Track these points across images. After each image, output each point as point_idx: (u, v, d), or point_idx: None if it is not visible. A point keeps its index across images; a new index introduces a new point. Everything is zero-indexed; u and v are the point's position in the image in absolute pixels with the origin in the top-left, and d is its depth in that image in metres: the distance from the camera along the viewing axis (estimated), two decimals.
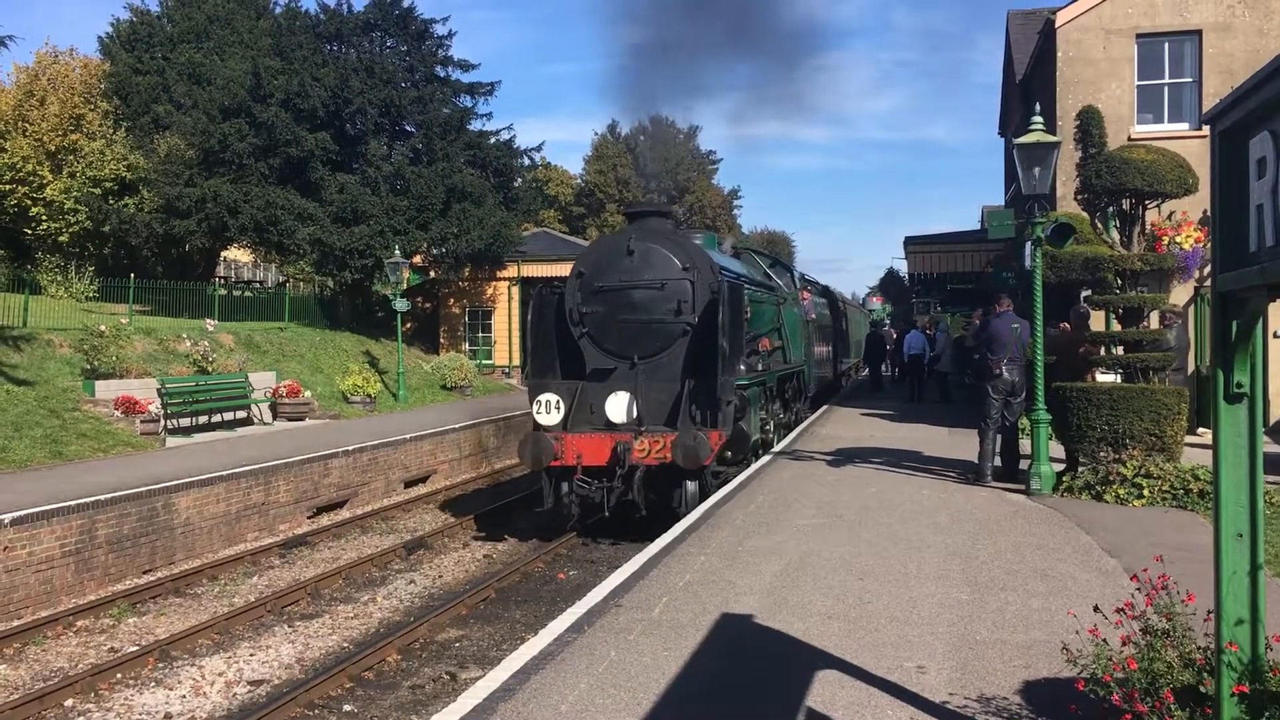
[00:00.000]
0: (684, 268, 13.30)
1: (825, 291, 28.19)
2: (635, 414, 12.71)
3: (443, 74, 35.12)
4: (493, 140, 34.84)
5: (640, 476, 12.40)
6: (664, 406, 13.09)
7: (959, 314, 36.11)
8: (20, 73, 34.99)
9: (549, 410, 12.93)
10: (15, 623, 10.71)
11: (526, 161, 37.24)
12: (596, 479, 12.69)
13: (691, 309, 13.25)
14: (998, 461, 12.58)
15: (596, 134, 66.57)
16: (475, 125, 35.09)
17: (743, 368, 13.47)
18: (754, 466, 14.33)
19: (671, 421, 12.87)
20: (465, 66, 35.51)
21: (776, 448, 16.55)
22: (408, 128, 33.92)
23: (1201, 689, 4.02)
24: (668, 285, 13.24)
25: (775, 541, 9.26)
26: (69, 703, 8.50)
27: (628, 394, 12.73)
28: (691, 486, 12.46)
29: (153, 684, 8.88)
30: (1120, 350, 12.58)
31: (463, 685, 7.86)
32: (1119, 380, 12.66)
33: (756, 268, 18.69)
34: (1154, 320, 13.61)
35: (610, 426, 12.83)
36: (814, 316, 21.88)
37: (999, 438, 12.56)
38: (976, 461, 12.61)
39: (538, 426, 13.02)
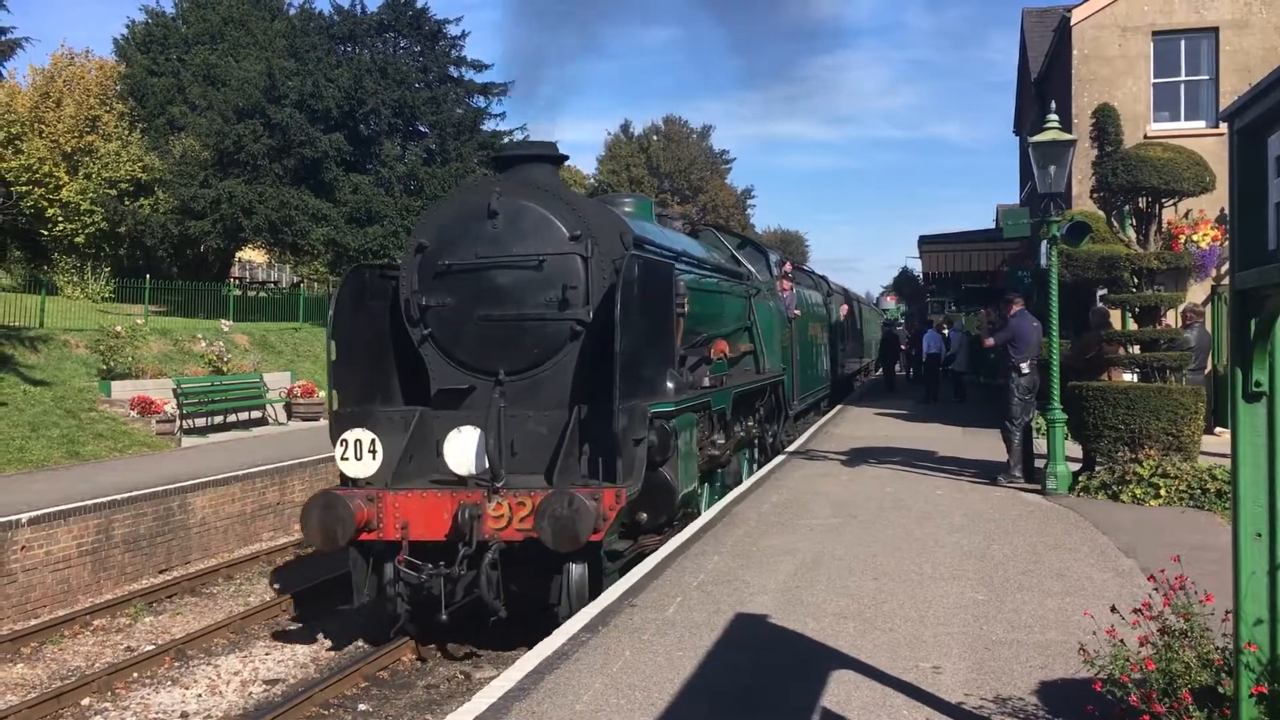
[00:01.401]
0: (573, 237, 9.08)
1: (822, 282, 24.92)
2: (490, 460, 8.34)
3: (456, 74, 35.24)
4: (506, 140, 34.90)
5: (493, 559, 8.17)
6: (544, 447, 8.98)
7: (974, 313, 35.99)
8: (36, 74, 35.20)
9: (359, 454, 8.74)
10: (33, 622, 10.78)
11: None
12: (434, 561, 8.39)
13: (584, 298, 9.06)
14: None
15: (609, 133, 66.73)
16: (489, 125, 35.22)
17: (670, 385, 9.45)
18: (768, 467, 14.29)
19: (555, 469, 8.74)
20: (478, 67, 35.61)
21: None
22: (421, 128, 34.03)
23: (1220, 689, 4.00)
24: (548, 263, 9.04)
25: (789, 541, 9.24)
26: (86, 701, 8.54)
27: (477, 430, 8.54)
28: (578, 572, 8.25)
29: (169, 683, 8.92)
30: (1136, 349, 12.51)
31: (477, 685, 7.87)
32: (1135, 380, 12.60)
33: (720, 250, 14.95)
34: (1171, 319, 13.53)
35: (459, 480, 8.66)
36: (799, 312, 17.32)
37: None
38: (1007, 461, 12.53)
39: (346, 480, 8.89)
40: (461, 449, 8.55)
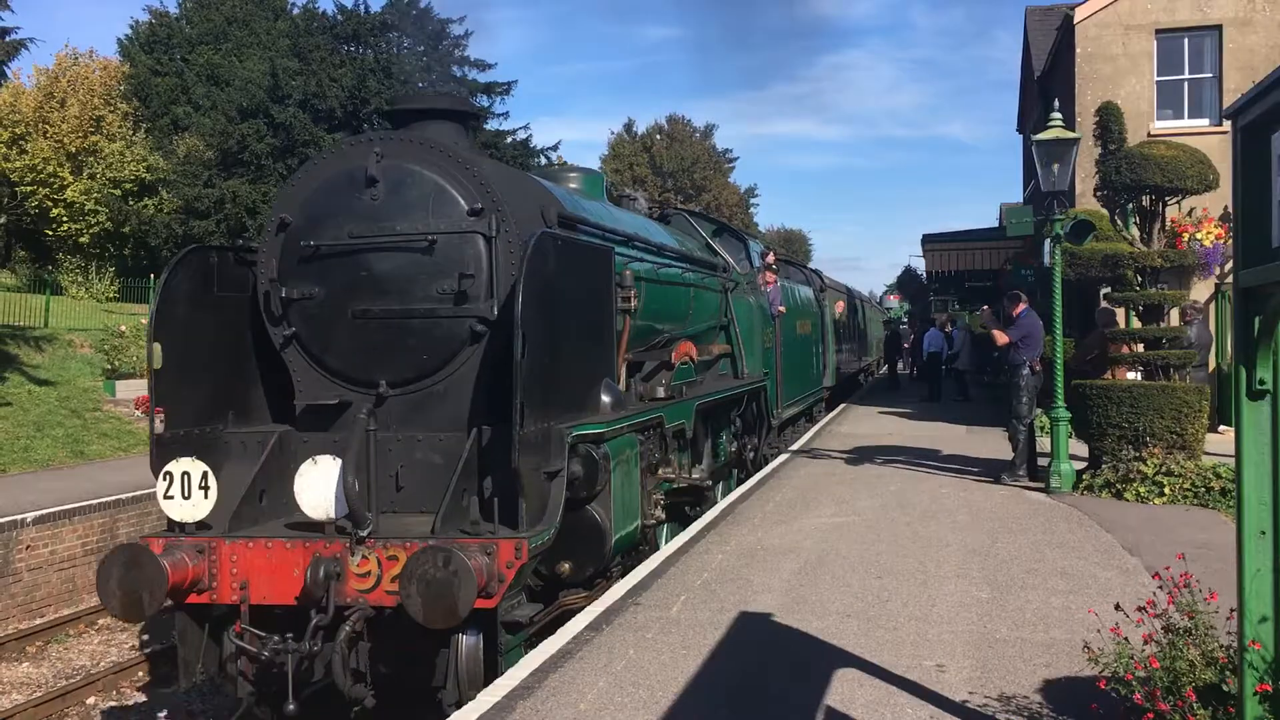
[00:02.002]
0: (473, 211, 7.03)
1: (814, 277, 23.02)
2: (349, 501, 6.26)
3: (460, 73, 35.29)
4: (509, 139, 34.95)
5: (353, 631, 6.21)
6: (438, 480, 6.87)
7: (977, 312, 36.02)
8: (41, 75, 35.27)
9: (186, 491, 6.60)
10: (37, 621, 10.80)
11: (543, 160, 37.32)
12: (284, 630, 6.32)
13: (487, 289, 7.02)
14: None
15: (613, 133, 66.66)
16: (492, 124, 35.24)
17: (606, 400, 7.62)
18: (771, 465, 14.30)
19: (439, 513, 6.61)
20: (482, 66, 35.68)
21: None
22: None
23: (1224, 687, 4.00)
24: (440, 245, 7.00)
25: (793, 539, 9.24)
26: (90, 700, 8.55)
27: (337, 461, 6.44)
28: (470, 646, 6.31)
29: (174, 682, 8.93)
30: (1140, 348, 12.50)
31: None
32: (1139, 378, 12.59)
33: (693, 237, 13.08)
34: (1174, 316, 13.52)
35: (318, 527, 6.60)
36: (784, 309, 15.35)
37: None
38: (1011, 459, 12.52)
39: (172, 524, 6.71)
40: (317, 485, 6.41)
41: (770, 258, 15.23)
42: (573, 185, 9.69)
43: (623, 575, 8.07)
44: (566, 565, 7.17)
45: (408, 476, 7.00)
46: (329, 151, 7.59)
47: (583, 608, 7.14)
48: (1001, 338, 12.16)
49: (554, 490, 6.58)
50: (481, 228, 7.02)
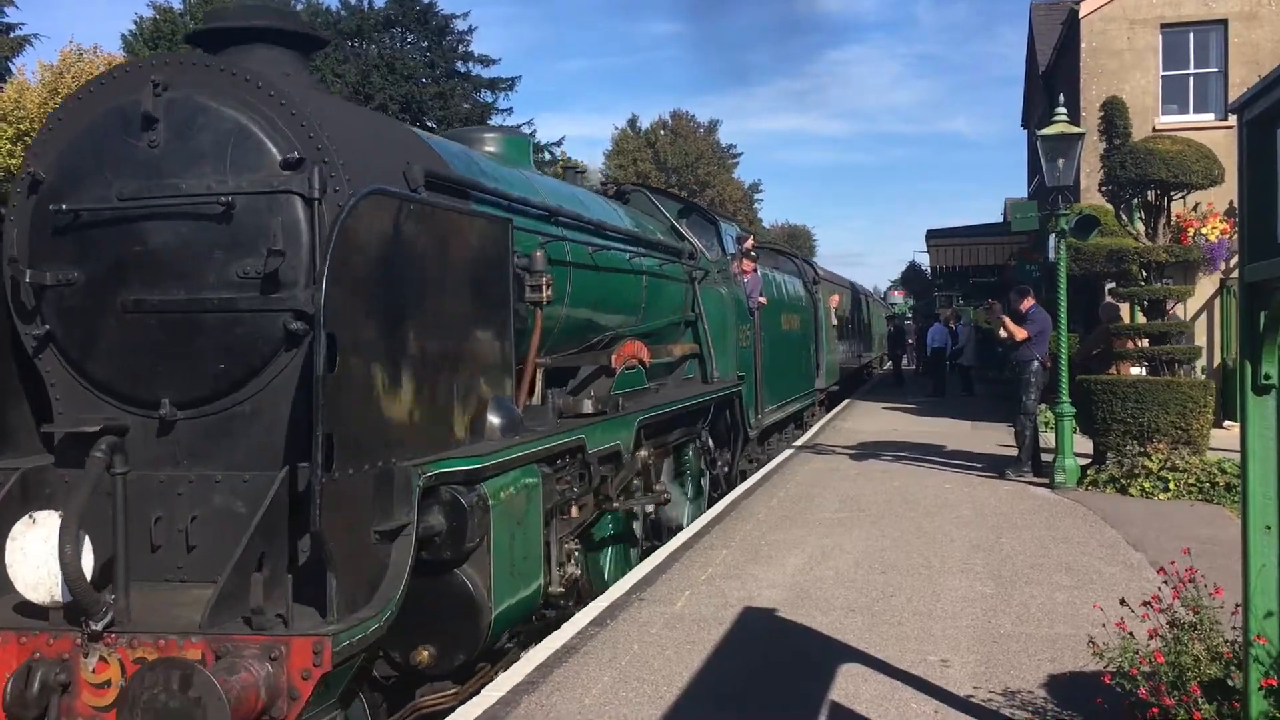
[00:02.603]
0: (288, 162, 5.04)
1: (806, 268, 20.88)
2: (69, 582, 4.28)
3: (463, 69, 35.30)
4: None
5: None
6: (241, 536, 4.71)
7: (981, 307, 36.01)
8: (45, 71, 35.29)
9: None
10: None
11: (547, 156, 37.35)
12: None
13: (309, 272, 5.01)
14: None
15: (617, 128, 66.61)
16: (496, 120, 35.20)
17: (496, 422, 5.80)
18: (775, 461, 14.29)
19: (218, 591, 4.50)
20: (486, 62, 35.68)
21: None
22: (429, 123, 34.07)
23: (1229, 682, 4.00)
24: (241, 209, 5.00)
25: (798, 535, 9.25)
26: None
27: (58, 518, 4.44)
28: None
29: None
30: (1145, 342, 12.49)
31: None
32: (1144, 373, 12.58)
33: (655, 218, 11.19)
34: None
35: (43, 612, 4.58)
36: (764, 300, 13.43)
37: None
38: (1016, 455, 12.51)
39: None
40: (37, 554, 4.43)
41: (749, 243, 13.66)
42: (489, 148, 7.96)
43: (524, 649, 6.45)
44: (426, 652, 5.15)
45: (202, 532, 4.90)
46: (98, 81, 5.41)
47: (454, 706, 5.48)
48: (1020, 333, 12.06)
49: (396, 555, 4.67)
50: (299, 185, 4.95)
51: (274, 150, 5.04)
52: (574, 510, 6.90)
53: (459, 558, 5.16)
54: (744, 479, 12.68)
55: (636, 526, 8.92)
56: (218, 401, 5.09)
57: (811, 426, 18.86)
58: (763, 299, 13.33)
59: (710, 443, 11.28)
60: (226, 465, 5.05)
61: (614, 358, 8.18)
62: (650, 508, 8.95)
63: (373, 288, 4.74)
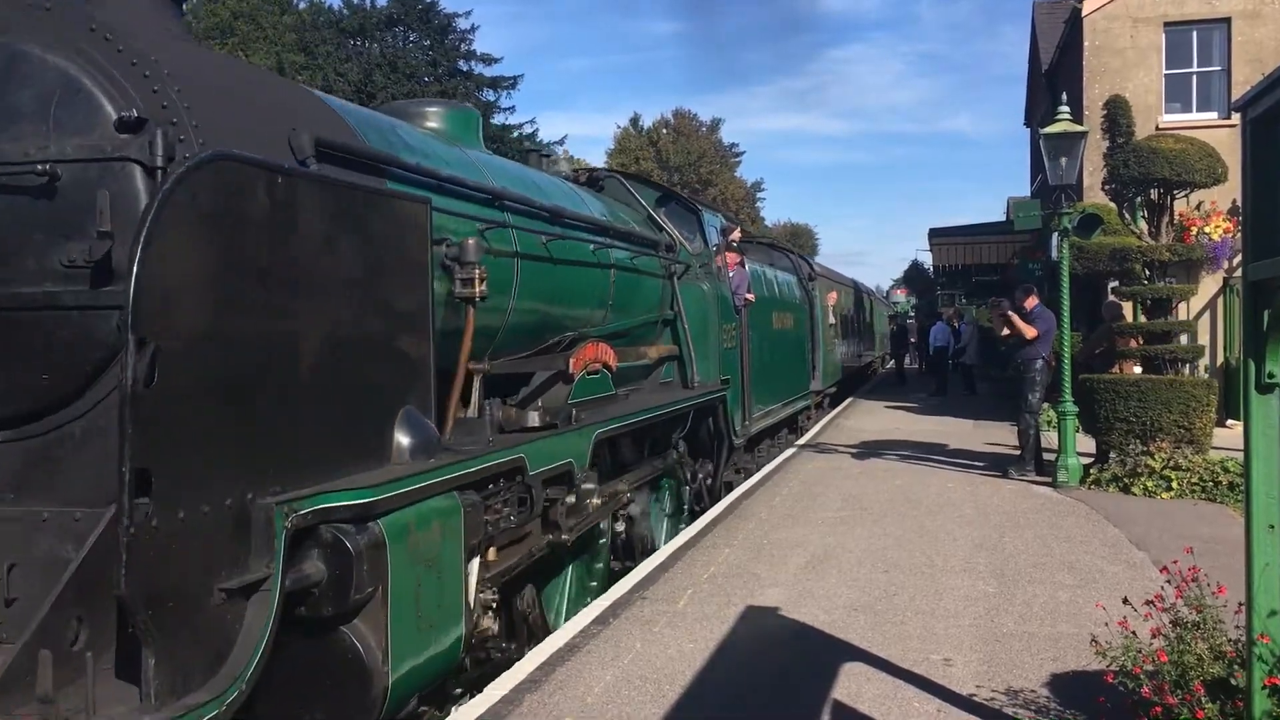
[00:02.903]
0: (125, 123, 3.96)
1: (801, 263, 19.67)
2: None
3: (466, 68, 35.30)
4: (516, 134, 34.95)
5: None
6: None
7: (984, 306, 36.02)
8: None
9: None
10: None
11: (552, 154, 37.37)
12: None
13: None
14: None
15: (619, 127, 66.62)
16: (498, 119, 35.24)
17: (404, 440, 4.86)
18: (777, 460, 14.29)
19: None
20: (488, 60, 35.69)
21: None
22: None
23: (1232, 681, 3.99)
24: (66, 179, 3.96)
25: (800, 534, 9.24)
26: None
27: None
28: None
29: None
30: (1140, 342, 12.49)
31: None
32: (1140, 372, 12.57)
33: (631, 207, 10.25)
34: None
35: None
36: (751, 297, 12.41)
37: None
38: (1019, 454, 12.49)
39: None
40: None
41: (735, 235, 12.63)
42: (430, 123, 7.09)
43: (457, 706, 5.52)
44: None
45: (25, 582, 3.83)
46: None
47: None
48: (1030, 331, 12.01)
49: (251, 616, 3.77)
50: (138, 152, 3.97)
51: (108, 108, 4.02)
52: (501, 549, 5.73)
53: (345, 613, 4.18)
54: (730, 490, 11.80)
55: (602, 551, 7.81)
56: (43, 420, 4.09)
57: (809, 430, 18.05)
58: (750, 295, 12.34)
59: (688, 453, 10.27)
60: (55, 500, 3.99)
61: (572, 361, 7.04)
62: (620, 526, 8.18)
63: (223, 278, 3.76)
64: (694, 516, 10.34)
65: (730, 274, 11.74)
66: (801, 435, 17.43)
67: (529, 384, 7.03)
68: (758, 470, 13.33)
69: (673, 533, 9.70)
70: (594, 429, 6.99)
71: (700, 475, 10.85)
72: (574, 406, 6.81)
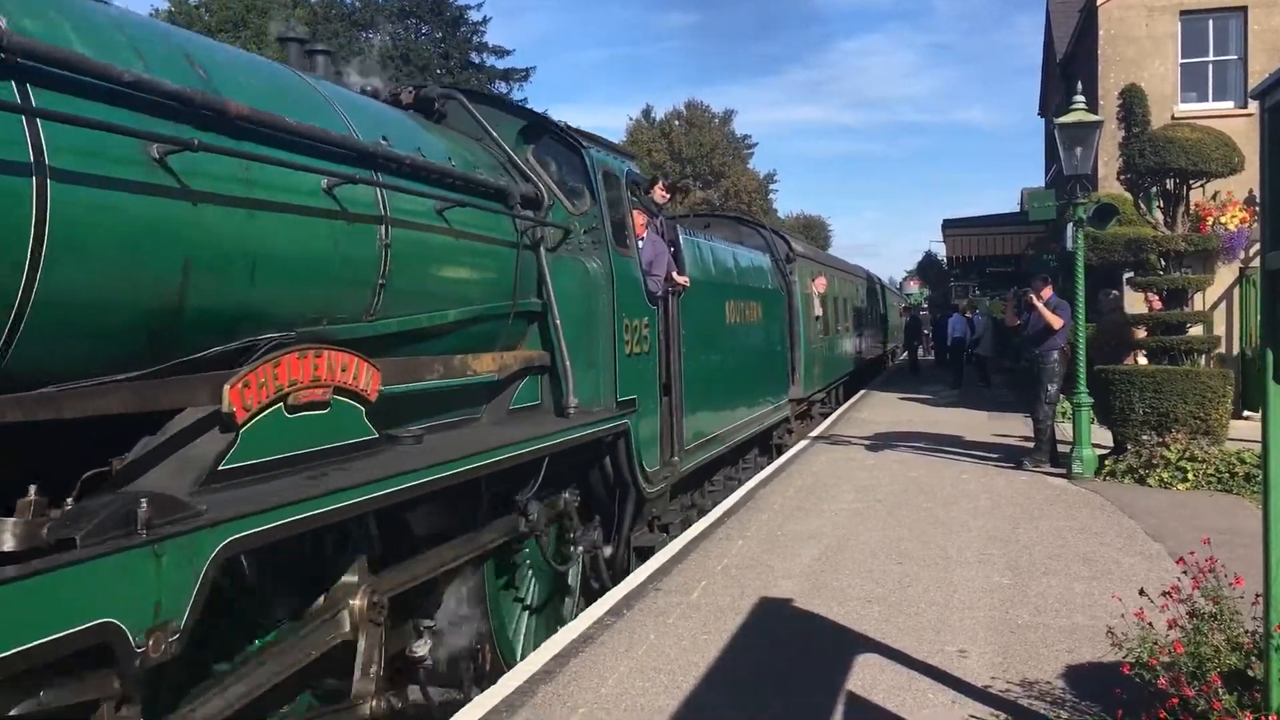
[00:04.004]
0: None
1: (776, 240, 15.99)
2: None
3: (478, 60, 35.27)
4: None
5: None
6: None
7: (998, 297, 35.89)
8: None
9: None
10: None
11: None
12: None
13: None
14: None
15: (631, 119, 66.45)
16: None
17: None
18: (790, 452, 14.27)
19: None
20: (500, 52, 35.66)
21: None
22: None
23: (1250, 673, 3.98)
24: None
25: (813, 526, 9.23)
26: None
27: None
28: None
29: None
30: (1143, 332, 12.44)
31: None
32: (1147, 362, 12.53)
33: (484, 144, 7.14)
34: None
35: None
36: (685, 280, 9.26)
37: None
38: (1034, 445, 12.45)
39: None
40: None
41: (658, 191, 9.51)
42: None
43: None
44: None
45: None
46: None
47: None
48: (1056, 321, 11.92)
49: None
50: None
51: None
52: None
53: None
54: (630, 567, 8.27)
55: None
56: None
57: (791, 447, 14.77)
58: (683, 278, 9.19)
59: (534, 513, 6.43)
60: None
61: (228, 392, 3.94)
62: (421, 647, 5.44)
63: None
64: (592, 595, 7.49)
65: (644, 245, 8.52)
66: (776, 455, 14.14)
67: (163, 433, 3.86)
68: (713, 507, 10.40)
69: (545, 634, 6.79)
70: (212, 536, 3.56)
71: (580, 546, 7.40)
72: (144, 498, 3.37)
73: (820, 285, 17.75)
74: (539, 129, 7.77)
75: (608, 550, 8.00)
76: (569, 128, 7.83)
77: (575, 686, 5.37)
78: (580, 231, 7.60)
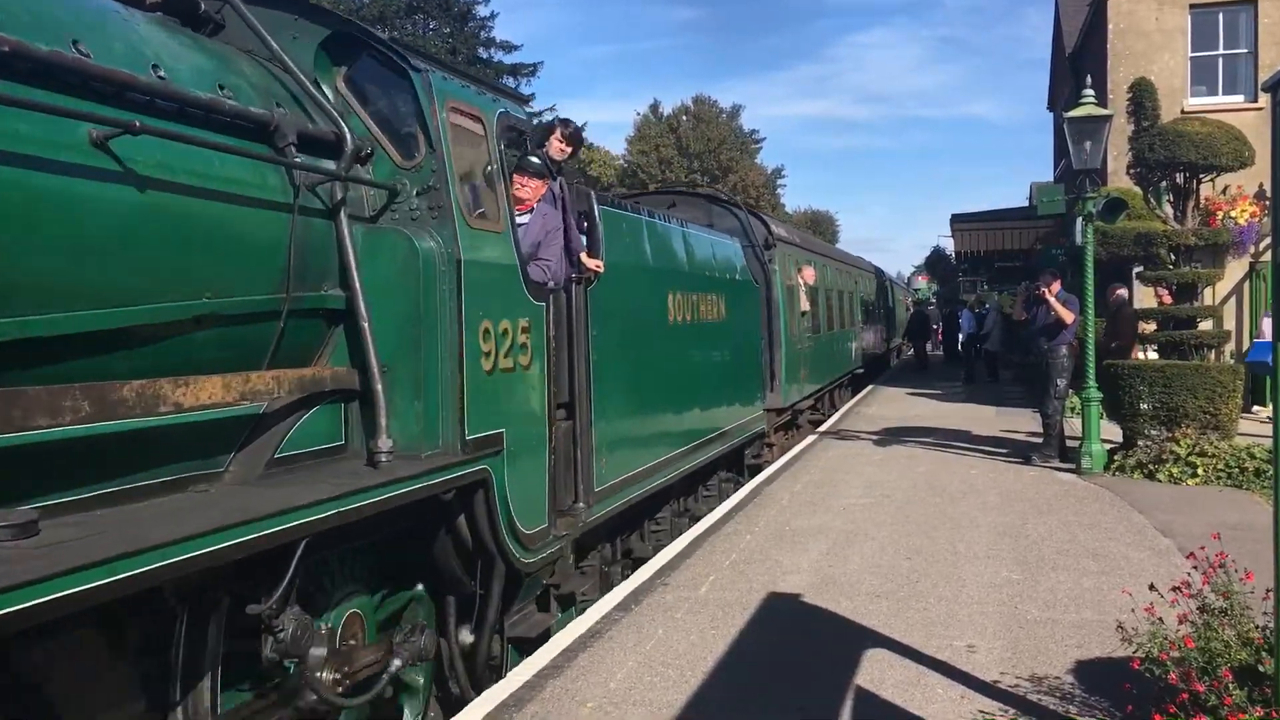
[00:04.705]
0: None
1: (754, 223, 13.84)
2: None
3: (485, 56, 35.28)
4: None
5: None
6: None
7: (1007, 292, 35.81)
8: None
9: None
10: None
11: None
12: None
13: None
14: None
15: (639, 114, 66.30)
16: None
17: None
18: (799, 446, 14.26)
19: None
20: (508, 48, 35.67)
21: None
22: None
23: (1260, 668, 3.97)
24: None
25: (822, 521, 9.22)
26: None
27: None
28: None
29: None
30: (1152, 327, 12.39)
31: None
32: (1155, 357, 12.48)
33: (271, 68, 4.87)
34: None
35: None
36: (599, 265, 7.14)
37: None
38: (1043, 440, 12.42)
39: None
40: None
41: (553, 143, 7.11)
42: None
43: None
44: None
45: None
46: None
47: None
48: (1068, 315, 11.86)
49: None
50: None
51: None
52: None
53: None
54: (499, 672, 5.92)
55: None
56: None
57: (771, 462, 13.00)
58: (596, 263, 7.09)
59: (286, 631, 4.14)
60: None
61: None
62: None
63: None
64: (452, 709, 5.42)
65: (530, 219, 6.40)
66: (751, 476, 12.13)
67: None
68: (655, 554, 8.34)
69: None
70: None
71: (409, 654, 4.97)
72: None
73: (808, 276, 15.71)
74: (351, 45, 5.35)
75: (467, 637, 5.66)
76: (400, 42, 5.61)
77: (583, 681, 5.37)
78: (412, 194, 5.24)
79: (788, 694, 5.19)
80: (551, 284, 6.37)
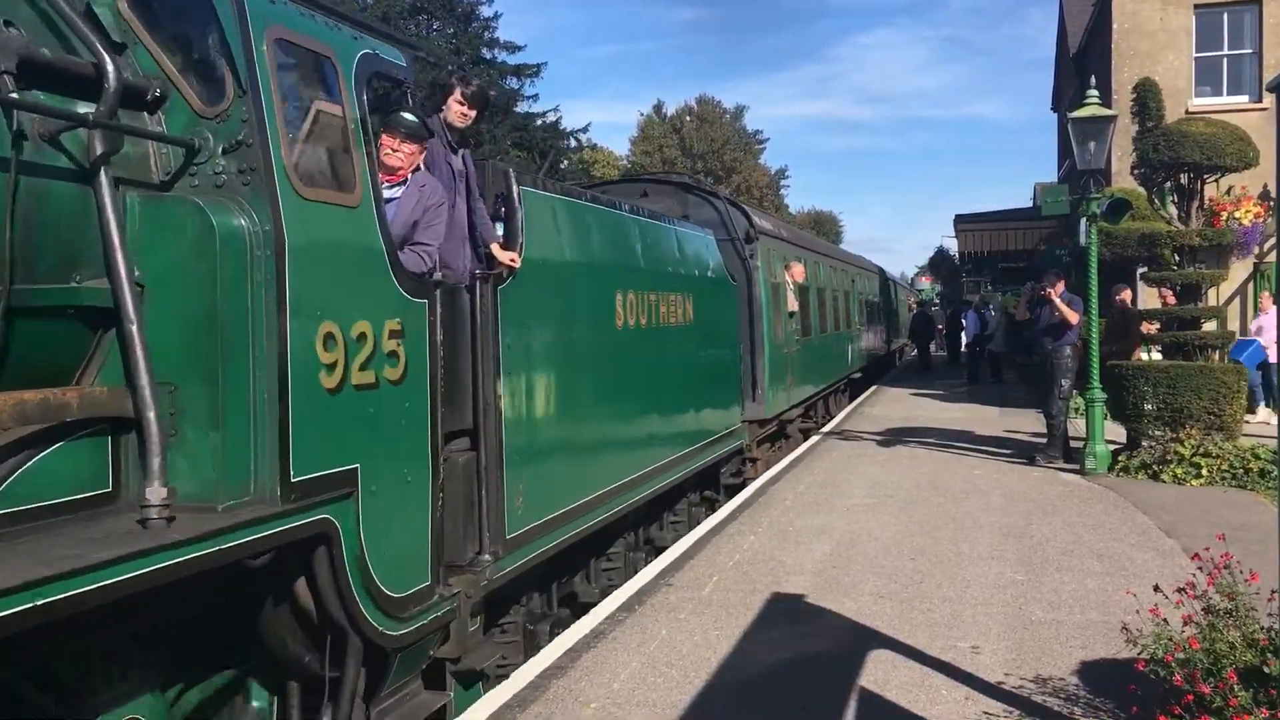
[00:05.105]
0: None
1: (734, 214, 12.38)
2: None
3: (489, 56, 35.30)
4: (539, 122, 34.94)
5: None
6: None
7: (1011, 293, 35.78)
8: None
9: None
10: None
11: (573, 143, 37.37)
12: None
13: None
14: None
15: (642, 114, 66.39)
16: (522, 107, 35.27)
17: None
18: (803, 447, 14.25)
19: None
20: (511, 48, 35.68)
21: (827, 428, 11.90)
22: None
23: (1265, 669, 3.95)
24: None
25: (825, 521, 9.22)
26: None
27: None
28: None
29: None
30: (1156, 327, 12.36)
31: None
32: (1158, 358, 12.45)
33: None
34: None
35: None
36: (511, 260, 5.79)
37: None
38: (1047, 440, 12.41)
39: None
40: None
41: (455, 106, 6.13)
42: None
43: None
44: None
45: None
46: None
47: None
48: (1074, 316, 11.84)
49: None
50: None
51: None
52: None
53: None
54: None
55: None
56: None
57: (754, 480, 11.77)
58: (509, 255, 5.86)
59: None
60: None
61: None
62: None
63: None
64: None
65: (404, 190, 5.17)
66: (729, 496, 10.92)
67: None
68: (601, 599, 7.18)
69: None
70: None
71: None
72: None
73: (797, 274, 14.47)
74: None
75: None
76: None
77: (587, 682, 5.37)
78: (218, 152, 3.94)
79: (792, 695, 5.18)
80: (437, 275, 5.09)
